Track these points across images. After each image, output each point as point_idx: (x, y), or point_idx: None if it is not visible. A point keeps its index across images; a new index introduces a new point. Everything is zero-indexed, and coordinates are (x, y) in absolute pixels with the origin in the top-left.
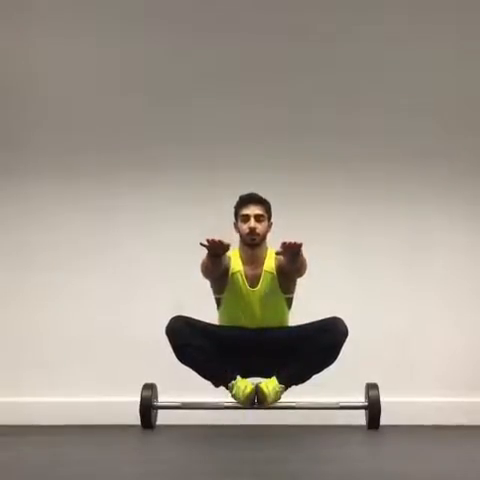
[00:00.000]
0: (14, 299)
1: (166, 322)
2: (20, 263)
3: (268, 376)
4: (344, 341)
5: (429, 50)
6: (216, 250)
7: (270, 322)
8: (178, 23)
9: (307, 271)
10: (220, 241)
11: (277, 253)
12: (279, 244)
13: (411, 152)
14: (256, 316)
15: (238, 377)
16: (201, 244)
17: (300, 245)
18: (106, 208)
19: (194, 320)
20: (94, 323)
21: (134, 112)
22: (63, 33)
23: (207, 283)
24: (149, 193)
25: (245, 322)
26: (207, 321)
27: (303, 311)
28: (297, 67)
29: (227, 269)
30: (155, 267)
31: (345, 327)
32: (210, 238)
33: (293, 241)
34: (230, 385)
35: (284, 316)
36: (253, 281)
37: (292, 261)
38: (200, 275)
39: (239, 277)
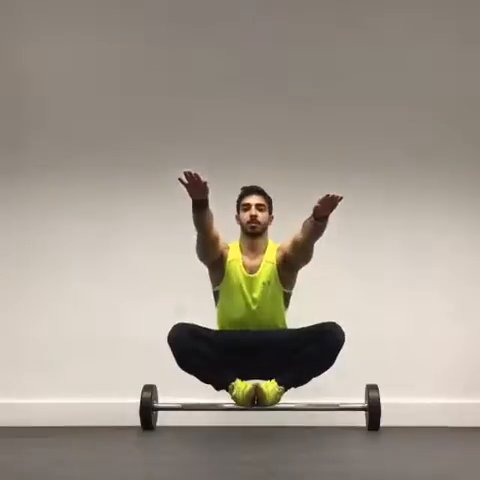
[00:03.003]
0: (14, 300)
1: (166, 323)
2: (21, 264)
3: (268, 378)
4: (341, 347)
5: (429, 50)
6: (195, 187)
7: (267, 317)
8: (178, 23)
9: (307, 271)
10: (196, 174)
11: (314, 209)
12: (276, 240)
13: (412, 152)
14: (254, 309)
15: (237, 379)
16: (179, 180)
17: (341, 198)
18: (106, 209)
19: (195, 327)
20: (94, 324)
21: (134, 112)
22: (63, 33)
23: (208, 284)
24: (149, 194)
25: (242, 316)
26: (207, 326)
27: (303, 311)
28: (297, 67)
29: (223, 257)
30: (155, 269)
31: (342, 333)
32: (187, 171)
33: (334, 194)
34: (230, 387)
35: (282, 312)
36: (252, 269)
37: (319, 227)
38: (201, 277)
39: (236, 265)
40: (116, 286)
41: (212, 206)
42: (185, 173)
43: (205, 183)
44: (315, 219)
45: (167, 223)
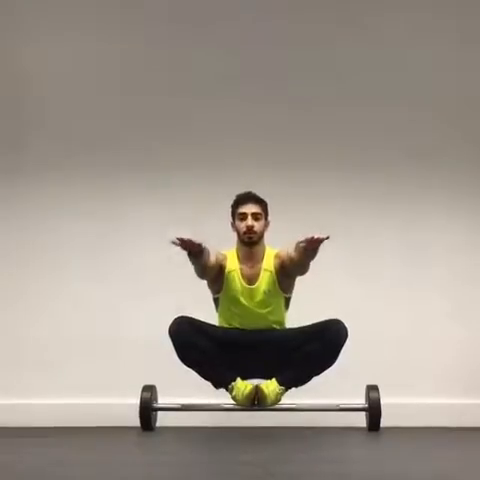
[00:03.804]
0: (14, 300)
1: (166, 324)
2: (21, 264)
3: (269, 377)
4: (344, 343)
5: (429, 50)
6: (189, 249)
7: (268, 322)
8: (178, 23)
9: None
10: (190, 240)
11: (300, 242)
12: (277, 243)
13: (411, 152)
14: (254, 315)
15: (238, 379)
16: (172, 243)
17: (326, 238)
18: (106, 209)
19: (197, 321)
20: (94, 324)
21: (134, 112)
22: (63, 33)
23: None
24: (149, 194)
25: (243, 322)
26: (209, 322)
27: (303, 312)
28: (297, 67)
29: (222, 268)
30: (155, 269)
31: (345, 329)
32: (179, 237)
33: (319, 236)
34: (230, 387)
35: (282, 316)
36: (251, 279)
37: (310, 254)
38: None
39: (235, 275)
40: (116, 286)
41: (211, 206)
42: (178, 239)
43: (200, 244)
44: (305, 249)
45: (167, 223)
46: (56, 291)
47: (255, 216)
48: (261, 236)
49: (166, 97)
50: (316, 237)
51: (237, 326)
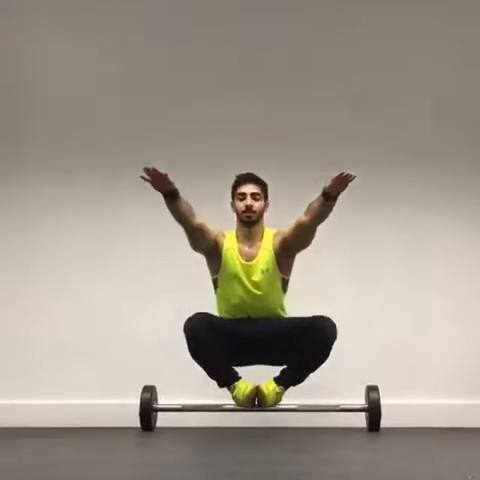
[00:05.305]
0: (15, 301)
1: (166, 324)
2: (21, 265)
3: (267, 363)
4: (333, 340)
5: (429, 50)
6: (158, 181)
7: (267, 303)
8: (178, 23)
9: (306, 272)
10: (154, 168)
11: (326, 187)
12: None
13: (411, 153)
14: (252, 297)
15: (240, 380)
16: (141, 177)
17: (354, 177)
18: (106, 209)
19: (212, 317)
20: (94, 325)
21: (134, 112)
22: (64, 34)
23: (208, 285)
24: (150, 194)
25: (241, 302)
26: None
27: (303, 312)
28: (297, 67)
29: (218, 244)
30: (155, 270)
31: (333, 327)
32: (145, 167)
33: (349, 172)
34: (231, 387)
35: (281, 299)
36: (249, 257)
37: (328, 206)
38: (201, 277)
39: (233, 253)
40: (116, 287)
41: (212, 206)
42: (144, 169)
43: (166, 175)
44: (325, 200)
45: (167, 223)
46: (56, 291)
47: (254, 196)
48: (260, 216)
49: (166, 97)
50: (345, 173)
51: (234, 307)
